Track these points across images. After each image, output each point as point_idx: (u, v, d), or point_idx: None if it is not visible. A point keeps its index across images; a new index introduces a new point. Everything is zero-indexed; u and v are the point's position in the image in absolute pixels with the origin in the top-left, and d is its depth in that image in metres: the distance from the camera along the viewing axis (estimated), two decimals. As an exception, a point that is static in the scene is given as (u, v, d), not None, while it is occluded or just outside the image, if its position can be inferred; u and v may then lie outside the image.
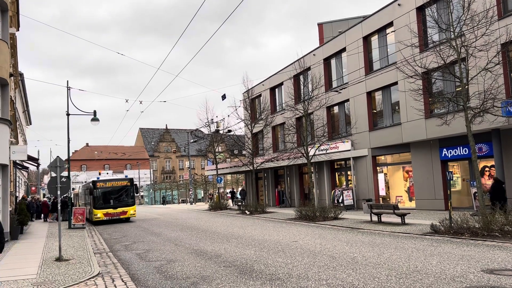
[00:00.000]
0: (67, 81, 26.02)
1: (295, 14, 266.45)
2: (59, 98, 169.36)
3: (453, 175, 21.15)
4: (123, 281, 9.19)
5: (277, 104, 37.39)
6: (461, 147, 20.87)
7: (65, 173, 21.95)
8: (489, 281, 7.57)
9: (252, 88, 36.09)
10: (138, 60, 48.00)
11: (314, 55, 31.24)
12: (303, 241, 14.10)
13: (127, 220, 27.76)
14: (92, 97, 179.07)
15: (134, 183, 28.68)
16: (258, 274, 9.13)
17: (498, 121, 16.93)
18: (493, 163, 19.69)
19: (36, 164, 37.83)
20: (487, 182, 20.43)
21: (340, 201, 26.66)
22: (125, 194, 27.78)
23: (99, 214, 26.44)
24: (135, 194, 28.55)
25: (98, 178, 28.95)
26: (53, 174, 13.38)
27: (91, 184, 27.57)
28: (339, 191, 27.36)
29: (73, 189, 42.82)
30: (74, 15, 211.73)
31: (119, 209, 26.91)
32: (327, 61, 30.39)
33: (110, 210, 26.71)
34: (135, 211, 28.03)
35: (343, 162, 29.68)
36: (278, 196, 35.64)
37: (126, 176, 30.72)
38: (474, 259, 9.60)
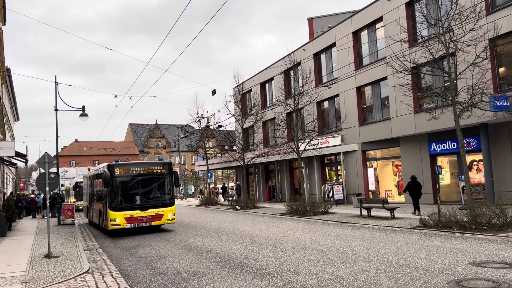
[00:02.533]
0: (55, 76, 25.73)
1: (280, 15, 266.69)
2: (47, 95, 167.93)
3: (442, 169, 21.36)
4: (113, 277, 9.15)
5: (268, 99, 37.38)
6: (449, 142, 21.06)
7: (53, 169, 21.81)
8: (477, 273, 7.66)
9: (242, 83, 36.01)
10: (128, 55, 47.69)
11: (304, 50, 31.24)
12: (294, 235, 14.15)
13: (156, 228, 18.33)
14: (81, 94, 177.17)
15: (174, 170, 18.78)
16: (249, 269, 9.15)
17: (486, 115, 17.10)
18: (481, 157, 19.90)
19: (24, 160, 37.43)
20: (475, 176, 20.68)
21: (330, 195, 26.79)
22: (159, 187, 18.18)
23: (119, 218, 16.67)
24: (174, 188, 18.68)
25: (116, 160, 18.40)
26: (42, 170, 13.25)
27: (106, 170, 17.18)
28: (329, 185, 27.48)
29: (62, 185, 42.48)
30: (61, 16, 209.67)
31: (151, 211, 17.19)
32: (317, 56, 30.41)
33: (136, 213, 16.97)
34: (174, 214, 17.97)
35: (333, 157, 29.80)
36: (269, 191, 35.72)
37: (160, 159, 19.88)
38: (462, 252, 9.71)
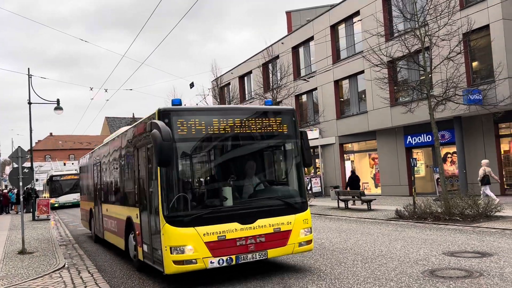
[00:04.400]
0: (28, 68, 25.05)
1: (255, 11, 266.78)
2: (21, 89, 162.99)
3: (417, 162, 21.76)
4: (89, 272, 9.02)
5: (246, 92, 37.31)
6: (424, 135, 21.45)
7: (27, 164, 21.32)
8: (450, 263, 7.85)
9: (220, 76, 35.81)
10: (103, 47, 46.76)
11: (282, 43, 31.24)
12: (272, 228, 14.18)
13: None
14: (56, 88, 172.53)
15: (299, 128, 8.42)
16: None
17: (460, 109, 17.47)
18: (455, 149, 20.36)
19: (-3, 155, 36.42)
20: (449, 168, 21.14)
21: (308, 188, 26.99)
22: (274, 164, 8.70)
23: (192, 244, 6.67)
24: (304, 168, 8.36)
25: (176, 102, 7.62)
26: (15, 165, 12.94)
27: (157, 123, 6.81)
28: (307, 178, 27.68)
29: (37, 180, 41.50)
30: (34, 11, 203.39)
31: (264, 225, 7.22)
32: (295, 49, 30.47)
33: (234, 229, 6.98)
34: (310, 230, 7.95)
35: (311, 150, 30.00)
36: (248, 184, 35.70)
37: (268, 103, 8.52)
38: (436, 242, 9.93)
